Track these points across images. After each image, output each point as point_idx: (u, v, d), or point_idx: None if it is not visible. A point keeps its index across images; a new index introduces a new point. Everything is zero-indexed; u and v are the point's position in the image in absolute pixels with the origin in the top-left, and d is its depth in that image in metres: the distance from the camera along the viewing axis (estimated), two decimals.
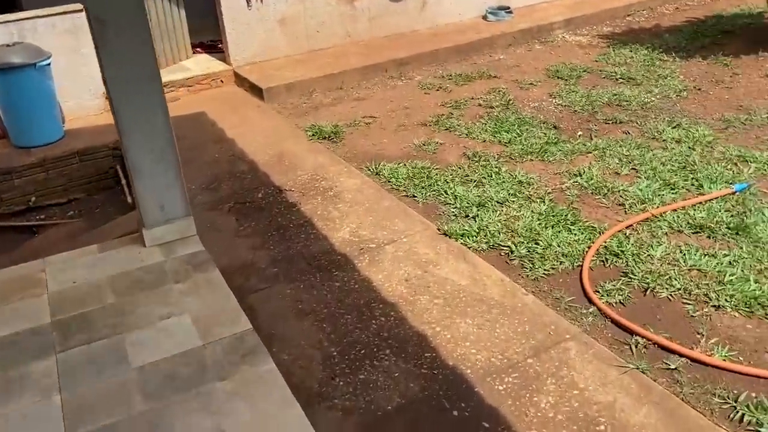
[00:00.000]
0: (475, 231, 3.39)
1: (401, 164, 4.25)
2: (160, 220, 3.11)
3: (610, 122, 4.69)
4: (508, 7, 7.28)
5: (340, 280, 3.12)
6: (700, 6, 7.65)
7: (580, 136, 4.52)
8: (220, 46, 6.39)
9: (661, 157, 4.00)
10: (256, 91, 5.76)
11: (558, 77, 5.71)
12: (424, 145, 4.54)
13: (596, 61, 6.08)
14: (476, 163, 4.18)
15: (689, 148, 4.08)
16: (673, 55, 5.90)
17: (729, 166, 3.80)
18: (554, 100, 5.21)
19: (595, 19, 7.38)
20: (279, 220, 3.72)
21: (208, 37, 6.73)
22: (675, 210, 3.40)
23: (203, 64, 6.32)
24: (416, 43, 6.66)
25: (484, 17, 7.29)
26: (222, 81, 6.15)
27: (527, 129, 4.66)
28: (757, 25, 6.39)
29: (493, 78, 5.87)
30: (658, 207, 3.44)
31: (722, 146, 4.07)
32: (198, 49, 6.67)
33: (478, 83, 5.77)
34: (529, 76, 5.81)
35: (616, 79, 5.51)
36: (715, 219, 3.27)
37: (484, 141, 4.54)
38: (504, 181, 3.89)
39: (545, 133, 4.57)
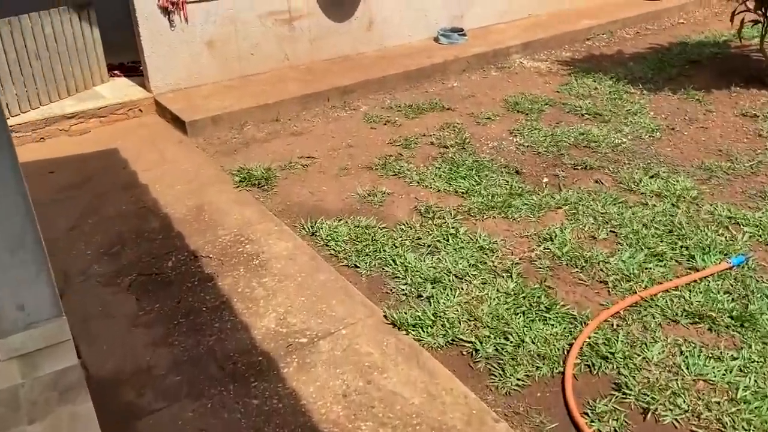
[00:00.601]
0: (430, 319, 2.76)
1: (342, 221, 3.60)
2: (20, 325, 2.34)
3: (579, 168, 4.16)
4: (462, 30, 6.74)
5: (260, 396, 2.43)
6: (661, 31, 7.31)
7: (546, 184, 3.97)
8: (142, 68, 5.60)
9: (642, 216, 3.48)
10: (178, 123, 5.00)
11: (518, 110, 5.18)
12: (369, 195, 3.90)
13: (558, 91, 5.58)
14: (430, 221, 3.56)
15: (673, 205, 3.58)
16: (640, 86, 5.46)
17: (720, 231, 3.30)
18: (515, 139, 4.66)
19: (553, 43, 6.93)
20: (190, 301, 3.00)
21: (130, 58, 5.91)
22: (667, 291, 2.86)
23: (120, 90, 5.51)
24: (362, 67, 6.03)
25: (436, 39, 6.73)
26: (141, 110, 5.35)
27: (487, 175, 4.08)
28: (724, 54, 6.05)
29: (447, 110, 5.29)
30: (646, 287, 2.89)
31: (709, 203, 3.58)
32: (116, 72, 5.84)
33: (430, 116, 5.18)
34: (487, 109, 5.26)
35: (582, 115, 5.01)
36: (715, 305, 2.74)
37: (439, 190, 3.93)
38: (463, 246, 3.28)
39: (507, 181, 4.01)
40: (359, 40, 6.39)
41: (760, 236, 3.22)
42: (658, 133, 4.60)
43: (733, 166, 4.00)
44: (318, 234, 3.48)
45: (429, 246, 3.33)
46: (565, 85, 5.68)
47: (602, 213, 3.55)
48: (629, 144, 4.45)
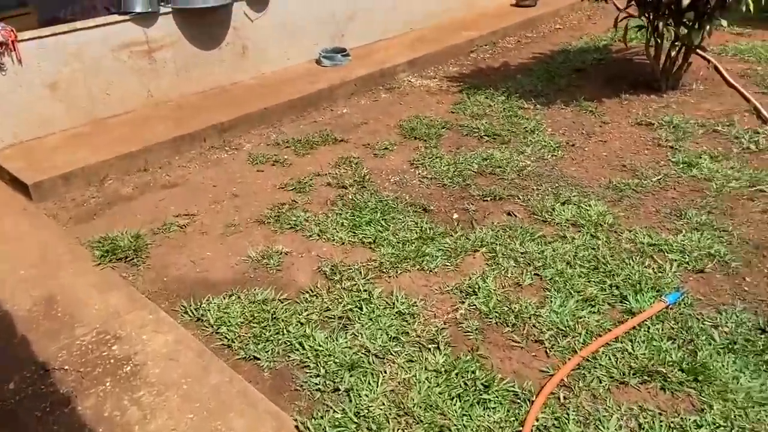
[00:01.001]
0: (352, 421, 2.28)
1: (234, 296, 3.03)
2: None
3: (489, 198, 3.86)
4: (345, 50, 6.32)
5: None
6: (541, 39, 7.31)
7: (458, 222, 3.62)
8: None
9: (563, 252, 3.21)
10: (19, 186, 4.17)
11: (415, 137, 4.83)
12: (263, 257, 3.36)
13: (452, 111, 5.31)
14: (338, 284, 3.09)
15: (592, 236, 3.34)
16: (533, 101, 5.30)
17: (646, 262, 3.09)
18: (418, 171, 4.29)
19: (439, 58, 6.69)
20: None
21: None
22: (608, 344, 2.57)
23: None
24: (240, 99, 5.44)
25: (318, 62, 6.26)
26: None
27: (394, 217, 3.67)
28: (607, 60, 6.07)
29: (341, 142, 4.84)
30: (585, 342, 2.59)
31: (627, 229, 3.38)
32: None
33: (322, 151, 4.70)
34: (382, 137, 4.87)
35: (481, 137, 4.75)
36: (661, 356, 2.48)
37: (343, 243, 3.46)
38: (380, 315, 2.84)
39: (416, 222, 3.62)
40: (234, 69, 5.79)
41: (687, 263, 3.04)
42: (559, 152, 4.41)
43: (641, 183, 3.87)
44: (205, 318, 2.90)
45: (340, 318, 2.85)
46: (458, 104, 5.42)
47: (522, 253, 3.25)
48: (534, 167, 4.22)
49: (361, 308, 2.89)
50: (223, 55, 5.68)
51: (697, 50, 5.04)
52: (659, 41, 4.99)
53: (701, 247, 3.14)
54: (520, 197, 3.85)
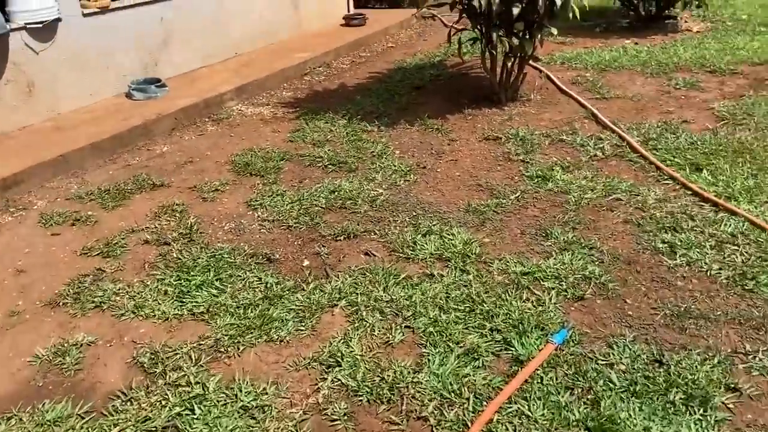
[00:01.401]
0: None
1: (14, 419, 2.21)
2: None
3: (342, 237, 3.36)
4: (159, 80, 5.53)
5: None
6: (375, 57, 7.04)
7: (310, 270, 3.07)
8: None
9: (434, 295, 2.78)
10: None
11: (250, 173, 4.21)
12: (57, 355, 2.54)
13: (291, 140, 4.76)
14: (160, 379, 2.38)
15: (461, 271, 2.95)
16: (376, 123, 4.93)
17: (523, 295, 2.75)
18: (257, 213, 3.68)
19: (270, 83, 6.13)
20: None
21: None
22: (501, 408, 2.15)
23: None
24: (30, 146, 4.46)
25: (129, 95, 5.41)
26: None
27: (231, 275, 3.03)
28: (444, 76, 5.90)
29: (161, 187, 4.08)
30: (474, 409, 2.15)
31: (497, 258, 3.04)
32: None
33: (138, 200, 3.91)
34: (212, 177, 4.19)
35: (325, 166, 4.25)
36: (563, 416, 2.10)
37: (167, 319, 2.75)
38: (219, 415, 2.18)
39: (260, 278, 3.01)
40: (19, 111, 4.76)
41: (566, 291, 2.75)
42: (411, 175, 4.04)
43: (500, 203, 3.59)
44: None
45: (165, 430, 2.15)
46: (296, 132, 4.89)
47: (388, 301, 2.77)
48: (387, 195, 3.80)
49: (193, 410, 2.21)
50: (4, 96, 4.64)
51: (530, 60, 5.00)
52: (494, 53, 4.87)
53: (575, 270, 2.88)
54: (377, 232, 3.40)
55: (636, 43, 6.16)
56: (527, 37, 4.73)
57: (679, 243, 3.01)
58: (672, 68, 5.37)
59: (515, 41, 4.71)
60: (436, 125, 4.78)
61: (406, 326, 2.61)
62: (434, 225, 3.40)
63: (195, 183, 4.11)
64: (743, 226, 3.08)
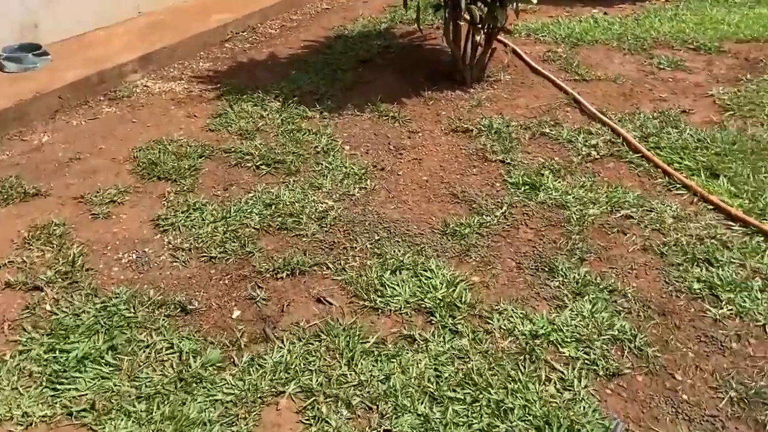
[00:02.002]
0: None
1: None
2: None
3: (284, 274, 2.54)
4: (39, 47, 4.36)
5: None
6: (309, 22, 6.04)
7: (242, 329, 2.25)
8: None
9: (418, 375, 2.01)
10: None
11: (159, 176, 3.26)
12: None
13: (211, 129, 3.80)
14: None
15: (451, 332, 2.20)
16: (318, 107, 4.03)
17: (542, 372, 2.03)
18: (167, 238, 2.77)
19: (184, 51, 5.05)
20: None
21: None
22: None
23: None
24: None
25: None
26: None
27: (129, 340, 2.16)
28: (395, 48, 5.02)
29: (35, 197, 3.07)
30: None
31: (493, 307, 2.31)
32: None
33: (1, 217, 2.90)
34: (106, 181, 3.21)
35: (257, 167, 3.35)
36: None
37: (31, 424, 1.86)
38: None
39: (172, 343, 2.16)
40: None
41: (594, 363, 2.06)
42: (368, 180, 3.22)
43: (484, 221, 2.85)
44: None
45: None
46: (218, 118, 3.92)
47: (356, 385, 1.99)
48: (340, 209, 2.98)
49: None
50: None
51: (501, 33, 4.23)
52: (459, 24, 4.06)
53: (600, 327, 2.19)
54: (331, 266, 2.59)
55: (605, 13, 5.50)
56: (499, 5, 3.95)
57: (719, 283, 2.38)
58: (651, 44, 4.76)
59: (485, 9, 3.92)
60: (391, 111, 3.94)
61: (385, 430, 1.85)
62: (405, 255, 2.62)
63: (83, 191, 3.12)
64: None
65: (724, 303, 2.29)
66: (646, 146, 3.33)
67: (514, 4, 3.89)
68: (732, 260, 2.49)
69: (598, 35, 4.97)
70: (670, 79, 4.21)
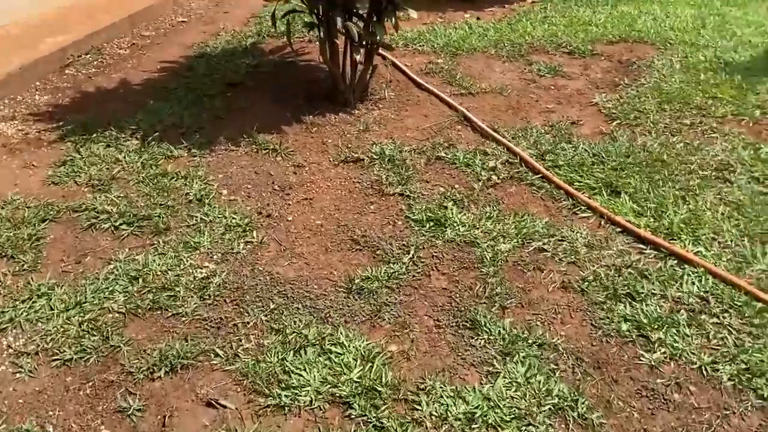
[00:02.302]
0: None
1: None
2: None
3: (161, 373, 2.10)
4: None
5: None
6: (164, 38, 5.41)
7: None
8: None
9: None
10: None
11: None
12: None
13: (55, 182, 3.17)
14: None
15: (376, 428, 1.87)
16: (185, 143, 3.52)
17: None
18: (5, 341, 2.20)
19: (14, 85, 4.28)
20: None
21: None
22: None
23: None
24: None
25: None
26: None
27: None
28: (265, 66, 4.55)
29: None
30: None
31: (419, 389, 2.01)
32: None
33: None
34: None
35: (116, 227, 2.81)
36: None
37: None
38: None
39: None
40: None
41: None
42: (254, 233, 2.80)
43: (392, 270, 2.54)
44: None
45: None
46: (63, 166, 3.30)
47: None
48: (224, 274, 2.54)
49: None
50: None
51: (380, 49, 3.94)
52: (336, 42, 3.72)
53: (539, 396, 1.96)
54: (220, 352, 2.17)
55: (478, 18, 5.41)
56: (375, 20, 3.66)
57: (645, 321, 2.25)
58: (527, 49, 4.70)
59: (360, 26, 3.61)
60: (271, 143, 3.52)
61: None
62: (309, 327, 2.25)
63: None
64: (708, 281, 2.41)
65: (655, 345, 2.15)
66: (544, 165, 3.19)
67: (393, 18, 3.60)
68: (653, 292, 2.38)
69: (475, 43, 4.84)
70: (552, 87, 4.16)
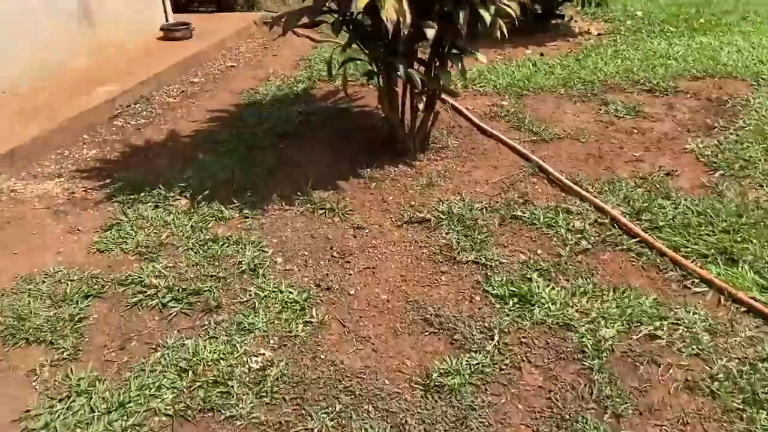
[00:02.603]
0: None
1: None
2: None
3: None
4: None
5: None
6: (213, 84, 5.26)
7: None
8: None
9: None
10: None
11: (27, 338, 2.38)
12: None
13: (101, 249, 2.94)
14: None
15: None
16: (237, 203, 3.26)
17: None
18: None
19: (62, 138, 4.15)
20: None
21: None
22: None
23: None
24: None
25: None
26: None
27: None
28: (317, 114, 4.32)
29: None
30: None
31: None
32: None
33: None
34: None
35: (164, 305, 2.54)
36: None
37: None
38: None
39: None
40: None
41: None
42: (313, 310, 2.49)
43: (474, 361, 2.18)
44: None
45: None
46: (109, 230, 3.08)
47: None
48: (282, 364, 2.21)
49: None
50: None
51: (442, 94, 3.64)
52: (397, 90, 3.44)
53: None
54: None
55: (542, 55, 5.08)
56: (438, 64, 3.36)
57: None
58: (600, 87, 4.33)
59: (420, 72, 3.32)
60: (327, 201, 3.23)
61: None
62: None
63: None
64: None
65: None
66: (641, 227, 2.79)
67: (459, 63, 3.29)
68: None
69: (541, 81, 4.50)
70: (635, 130, 3.76)
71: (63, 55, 5.05)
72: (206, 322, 2.45)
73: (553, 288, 2.50)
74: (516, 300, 2.45)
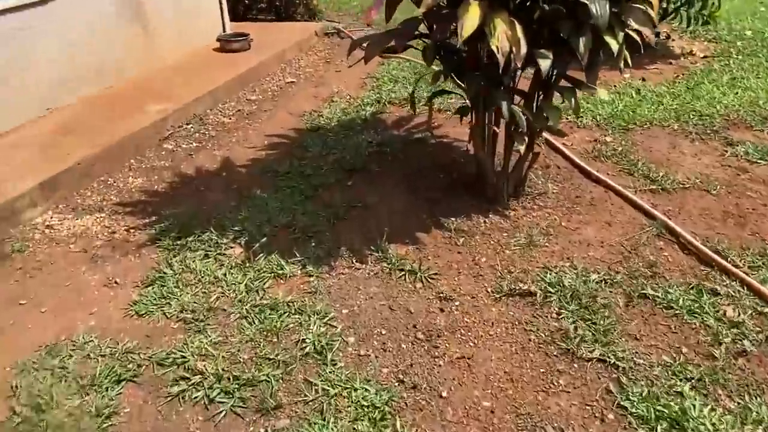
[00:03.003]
0: None
1: None
2: None
3: None
4: None
5: None
6: (271, 103, 4.81)
7: None
8: None
9: None
10: None
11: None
12: None
13: (140, 312, 2.49)
14: None
15: None
16: (299, 256, 2.76)
17: None
18: None
19: (106, 164, 3.74)
20: None
21: None
22: None
23: None
24: None
25: None
26: None
27: None
28: (390, 145, 3.79)
29: None
30: None
31: None
32: None
33: None
34: None
35: (211, 400, 2.05)
36: None
37: None
38: None
39: None
40: None
41: None
42: (397, 421, 1.96)
43: None
44: None
45: None
46: (151, 286, 2.62)
47: None
48: None
49: None
50: None
51: (543, 133, 3.07)
52: (494, 128, 2.89)
53: None
54: None
55: (643, 80, 4.44)
56: (543, 97, 2.79)
57: None
58: (720, 122, 3.68)
59: (521, 106, 2.75)
60: (406, 260, 2.70)
61: None
62: None
63: None
64: None
65: None
66: None
67: (572, 99, 2.71)
68: None
69: (648, 113, 3.87)
70: None
71: (113, 63, 4.68)
72: (262, 430, 1.95)
73: (713, 409, 1.90)
74: (666, 425, 1.86)
